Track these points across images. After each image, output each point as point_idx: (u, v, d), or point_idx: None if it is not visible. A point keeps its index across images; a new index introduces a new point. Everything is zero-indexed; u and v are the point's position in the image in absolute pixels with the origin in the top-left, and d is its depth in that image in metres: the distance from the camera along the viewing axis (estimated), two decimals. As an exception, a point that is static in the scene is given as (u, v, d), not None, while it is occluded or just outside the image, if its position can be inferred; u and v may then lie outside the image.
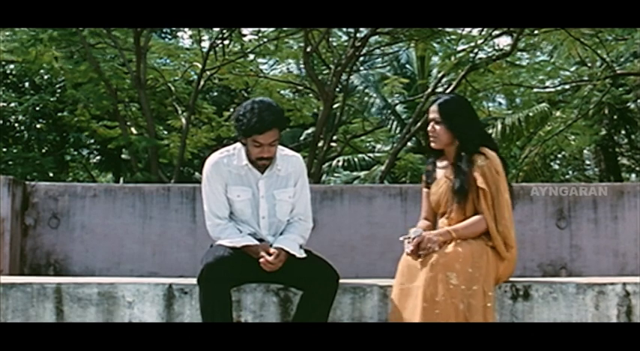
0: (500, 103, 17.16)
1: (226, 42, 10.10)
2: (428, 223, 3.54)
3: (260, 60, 11.74)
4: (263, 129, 3.25)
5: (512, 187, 3.48)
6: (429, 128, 3.47)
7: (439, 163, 3.53)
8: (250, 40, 10.48)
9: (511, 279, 3.64)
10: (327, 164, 14.24)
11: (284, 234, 3.39)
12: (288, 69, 14.12)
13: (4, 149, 11.87)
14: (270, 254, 3.23)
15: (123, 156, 15.29)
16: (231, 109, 12.76)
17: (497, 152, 3.42)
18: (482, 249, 3.23)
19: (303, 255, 3.31)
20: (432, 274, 3.11)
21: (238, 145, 3.44)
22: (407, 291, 3.16)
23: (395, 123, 15.99)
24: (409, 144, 12.24)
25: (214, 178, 3.41)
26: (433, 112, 3.45)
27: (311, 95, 11.91)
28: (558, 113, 12.83)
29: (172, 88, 10.92)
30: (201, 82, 10.08)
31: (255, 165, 3.39)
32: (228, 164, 3.41)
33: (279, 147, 3.45)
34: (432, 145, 3.47)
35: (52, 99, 12.58)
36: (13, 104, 12.52)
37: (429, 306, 3.07)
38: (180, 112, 11.25)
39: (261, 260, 3.22)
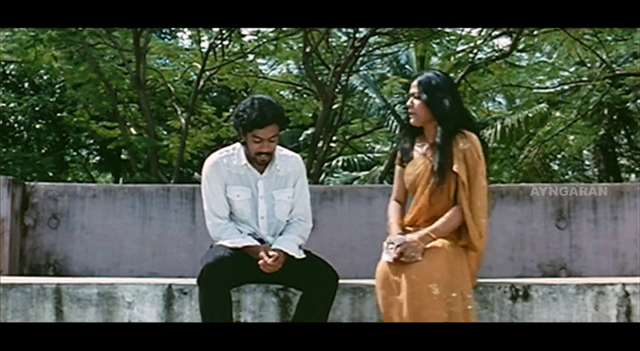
0: (500, 103, 17.18)
1: (226, 42, 10.10)
2: (399, 206, 3.44)
3: (259, 60, 11.78)
4: (264, 123, 3.27)
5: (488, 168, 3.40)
6: (408, 103, 3.36)
7: (417, 143, 3.42)
8: (250, 41, 10.49)
9: (511, 280, 3.64)
10: (326, 165, 14.24)
11: (283, 235, 3.39)
12: (287, 69, 14.13)
13: (4, 149, 11.87)
14: (270, 256, 3.23)
15: (122, 156, 15.30)
16: (231, 110, 12.76)
17: (477, 134, 3.33)
18: (457, 252, 3.18)
19: (303, 256, 3.31)
20: (414, 289, 3.05)
21: (237, 145, 3.45)
22: (390, 303, 3.12)
23: (394, 123, 16.00)
24: (409, 144, 12.21)
25: (214, 178, 3.41)
26: (413, 87, 3.35)
27: (310, 96, 11.92)
28: (558, 113, 12.84)
29: (172, 89, 10.93)
30: (201, 83, 10.09)
31: (254, 164, 3.40)
32: (227, 164, 3.41)
33: (278, 147, 3.45)
34: (411, 120, 3.35)
35: (51, 99, 12.59)
36: (12, 104, 12.52)
37: (415, 320, 3.03)
38: (179, 112, 11.26)
39: (260, 262, 3.22)
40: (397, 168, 3.50)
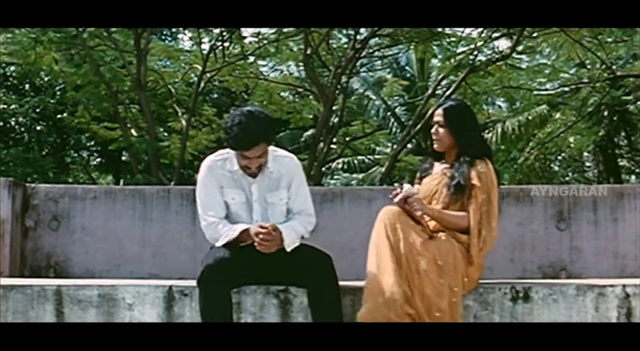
0: (500, 107, 17.17)
1: (226, 44, 10.10)
2: None
3: (260, 62, 11.75)
4: (249, 146, 3.26)
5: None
6: (433, 131, 3.58)
7: (438, 163, 3.63)
8: (250, 42, 10.49)
9: (511, 281, 3.64)
10: (326, 166, 14.24)
11: (286, 223, 3.38)
12: (288, 71, 14.12)
13: (5, 151, 11.88)
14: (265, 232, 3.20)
15: (123, 158, 15.30)
16: (232, 111, 12.73)
17: (492, 163, 3.53)
18: (450, 246, 3.30)
19: (293, 246, 3.28)
20: (404, 257, 3.21)
21: (232, 150, 3.42)
22: (382, 262, 3.25)
23: (395, 125, 16.00)
24: (409, 146, 12.24)
25: (209, 181, 3.42)
26: (438, 116, 3.56)
27: (311, 97, 11.92)
28: (558, 115, 12.84)
29: (172, 90, 10.93)
30: (202, 84, 10.09)
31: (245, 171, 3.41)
32: (222, 167, 3.42)
33: (272, 148, 3.46)
34: (435, 147, 3.59)
35: (52, 101, 12.60)
36: (13, 106, 12.53)
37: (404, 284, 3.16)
38: (180, 114, 11.25)
39: (255, 239, 3.20)
40: (415, 187, 3.63)
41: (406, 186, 3.42)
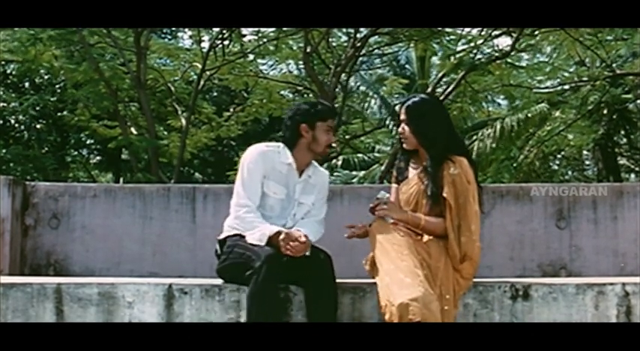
0: (499, 104, 17.17)
1: (226, 42, 10.11)
2: None
3: (260, 60, 11.77)
4: (334, 113, 3.63)
5: (482, 194, 3.43)
6: (400, 130, 3.45)
7: (412, 163, 3.49)
8: (250, 41, 10.50)
9: (511, 279, 3.64)
10: (326, 164, 14.25)
11: (305, 221, 3.48)
12: (288, 69, 14.12)
13: (4, 149, 11.88)
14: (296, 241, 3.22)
15: (123, 156, 15.31)
16: (231, 110, 12.77)
17: (467, 157, 3.38)
18: (440, 253, 3.23)
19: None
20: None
21: (281, 144, 3.50)
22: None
23: (395, 123, 15.98)
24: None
25: (257, 167, 3.42)
26: (402, 113, 3.44)
27: (311, 95, 11.93)
28: (558, 113, 12.84)
29: (172, 89, 10.95)
30: (201, 83, 10.10)
31: (297, 164, 3.47)
32: (272, 159, 3.46)
33: (313, 162, 3.61)
34: (404, 146, 3.46)
35: (52, 99, 12.61)
36: (13, 104, 12.54)
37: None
38: (180, 112, 11.27)
39: (292, 244, 3.19)
40: (393, 185, 3.58)
41: (380, 194, 3.39)
